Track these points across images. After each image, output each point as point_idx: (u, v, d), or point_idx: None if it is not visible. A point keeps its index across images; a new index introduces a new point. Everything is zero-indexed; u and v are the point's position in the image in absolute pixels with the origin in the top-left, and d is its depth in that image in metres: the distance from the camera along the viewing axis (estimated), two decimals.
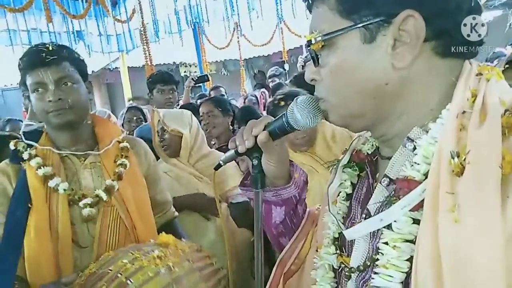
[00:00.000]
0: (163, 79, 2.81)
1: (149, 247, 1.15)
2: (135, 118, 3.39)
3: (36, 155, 1.23)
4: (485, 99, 0.51)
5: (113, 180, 1.28)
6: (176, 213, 1.58)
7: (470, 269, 0.42)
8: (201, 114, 2.38)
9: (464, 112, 0.50)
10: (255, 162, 0.73)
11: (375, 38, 0.54)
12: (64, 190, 1.21)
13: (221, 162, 0.78)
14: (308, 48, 0.58)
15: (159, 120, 1.92)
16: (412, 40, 0.52)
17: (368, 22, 0.53)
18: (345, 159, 0.72)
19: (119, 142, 1.37)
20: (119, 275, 1.03)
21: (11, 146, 1.25)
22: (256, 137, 0.71)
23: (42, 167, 1.20)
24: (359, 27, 0.54)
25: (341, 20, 0.55)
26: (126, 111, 3.59)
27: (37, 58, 1.21)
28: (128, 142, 1.41)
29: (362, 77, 0.55)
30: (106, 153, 1.32)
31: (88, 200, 1.23)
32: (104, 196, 1.25)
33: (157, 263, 1.08)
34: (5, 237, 1.15)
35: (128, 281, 1.02)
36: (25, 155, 1.22)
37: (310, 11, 0.61)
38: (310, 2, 0.60)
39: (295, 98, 0.67)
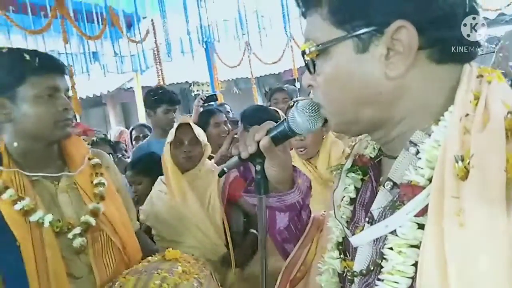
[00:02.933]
0: (171, 100, 2.69)
1: (163, 264, 1.14)
2: (141, 135, 3.44)
3: (6, 187, 1.04)
4: (487, 102, 0.50)
5: (98, 203, 1.17)
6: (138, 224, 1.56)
7: (475, 274, 0.41)
8: None
9: (467, 115, 0.50)
10: (258, 167, 0.74)
11: (367, 48, 0.53)
12: (50, 223, 1.06)
13: (225, 169, 0.79)
14: (303, 56, 0.59)
15: (192, 132, 1.91)
16: (405, 50, 0.52)
17: (360, 32, 0.53)
18: (348, 164, 0.72)
19: (89, 159, 1.25)
20: None
21: None
22: (258, 142, 0.71)
23: (19, 202, 1.03)
24: (351, 37, 0.54)
25: (334, 30, 0.55)
26: (133, 128, 3.66)
27: (54, 63, 1.12)
28: (97, 157, 1.29)
29: (356, 86, 0.56)
30: (81, 173, 1.19)
31: (77, 230, 1.10)
32: (92, 221, 1.13)
33: (188, 278, 1.08)
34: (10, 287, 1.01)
35: None
36: None
37: (305, 18, 0.62)
38: (304, 10, 0.61)
39: (296, 103, 0.69)
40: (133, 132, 3.62)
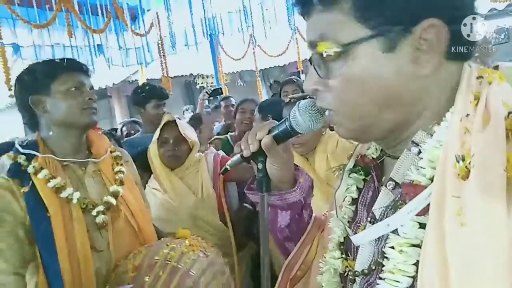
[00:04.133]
0: (161, 94, 2.71)
1: (173, 240, 1.28)
2: (132, 131, 3.46)
3: (41, 168, 1.22)
4: (488, 102, 0.50)
5: (118, 185, 1.35)
6: None
7: (476, 273, 0.41)
8: None
9: (467, 115, 0.50)
10: (260, 166, 0.74)
11: (395, 47, 0.51)
12: (78, 199, 1.24)
13: (227, 167, 0.79)
14: (315, 57, 0.56)
15: (177, 130, 1.90)
16: (433, 48, 0.51)
17: (388, 31, 0.51)
18: (350, 164, 0.72)
19: (111, 152, 1.45)
20: (168, 261, 1.15)
21: (7, 159, 1.23)
22: (260, 141, 0.72)
23: (51, 180, 1.21)
24: (378, 36, 0.51)
25: (358, 28, 0.52)
26: (123, 125, 3.65)
27: (78, 64, 1.36)
28: (118, 151, 1.49)
29: (379, 87, 0.53)
30: (104, 161, 1.39)
31: (100, 208, 1.28)
32: (113, 201, 1.31)
33: (194, 250, 1.22)
34: (43, 251, 1.18)
35: (179, 265, 1.15)
36: (30, 169, 1.21)
37: (307, 15, 0.58)
38: (322, 6, 0.55)
39: (297, 102, 0.69)
40: (124, 128, 3.58)
